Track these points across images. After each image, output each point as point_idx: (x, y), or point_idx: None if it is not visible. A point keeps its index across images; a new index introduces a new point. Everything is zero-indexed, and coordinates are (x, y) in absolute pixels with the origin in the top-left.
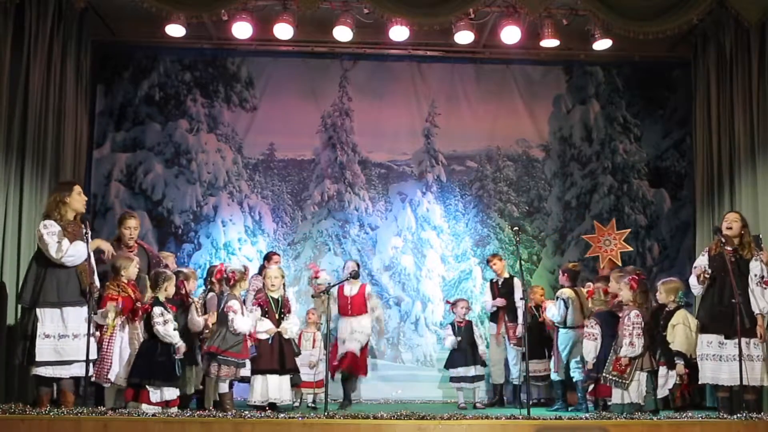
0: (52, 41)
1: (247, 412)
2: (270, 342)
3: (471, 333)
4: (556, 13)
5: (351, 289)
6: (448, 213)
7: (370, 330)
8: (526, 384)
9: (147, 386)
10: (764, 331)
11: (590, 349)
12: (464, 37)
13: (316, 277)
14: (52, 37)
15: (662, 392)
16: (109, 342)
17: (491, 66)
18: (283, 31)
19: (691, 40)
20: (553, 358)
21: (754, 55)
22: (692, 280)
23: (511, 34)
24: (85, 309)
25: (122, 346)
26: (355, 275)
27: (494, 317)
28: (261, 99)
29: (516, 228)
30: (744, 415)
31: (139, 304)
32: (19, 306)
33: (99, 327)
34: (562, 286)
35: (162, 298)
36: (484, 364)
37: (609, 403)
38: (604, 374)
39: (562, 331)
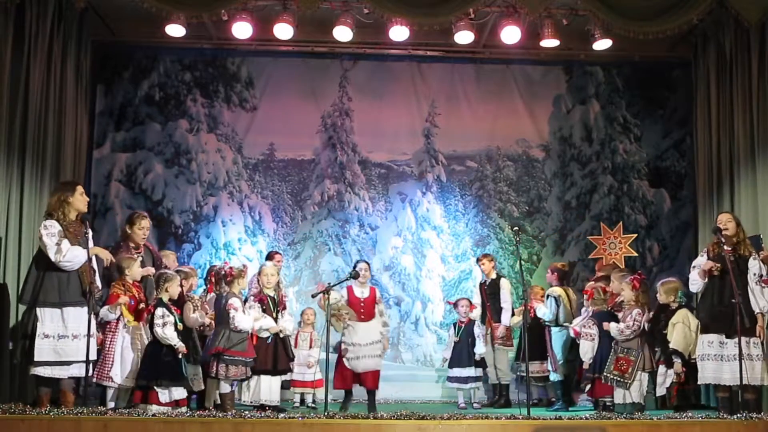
0: (52, 41)
1: (247, 412)
2: (269, 341)
3: (471, 333)
4: (556, 13)
5: (362, 293)
6: (448, 213)
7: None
8: (525, 384)
9: (155, 387)
10: (764, 330)
11: (587, 349)
12: (464, 37)
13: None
14: (52, 37)
15: (660, 390)
16: (111, 341)
17: (491, 66)
18: (283, 31)
19: (691, 40)
20: (549, 358)
21: (754, 55)
22: (693, 276)
23: (511, 34)
24: (85, 309)
25: (123, 345)
26: (355, 275)
27: (483, 318)
28: (261, 99)
29: (516, 228)
30: (744, 415)
31: (143, 305)
32: (20, 306)
33: (102, 327)
34: (551, 285)
35: (166, 299)
36: (483, 365)
37: (609, 403)
38: (605, 374)
39: (554, 330)
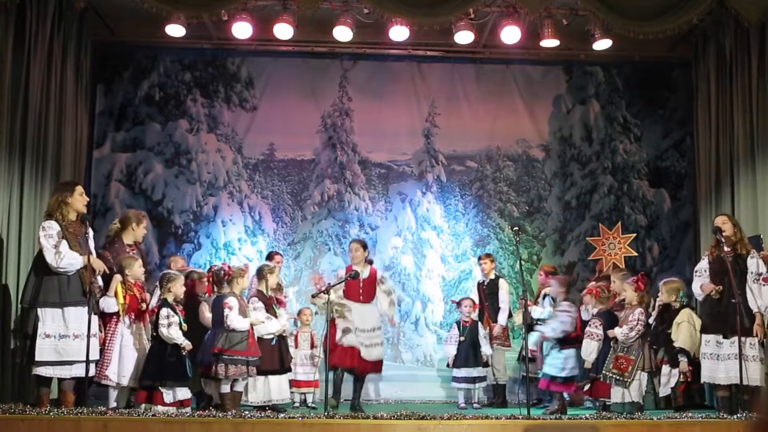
0: (53, 41)
1: (247, 412)
2: (273, 342)
3: (475, 333)
4: (556, 13)
5: (362, 272)
6: (448, 213)
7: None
8: (525, 384)
9: (159, 387)
10: (762, 330)
11: (592, 348)
12: (464, 37)
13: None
14: (53, 37)
15: (665, 390)
16: (109, 341)
17: (491, 66)
18: (283, 31)
19: (691, 40)
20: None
21: (754, 55)
22: (695, 288)
23: (511, 34)
24: (86, 309)
25: (122, 345)
26: (354, 276)
27: (481, 318)
28: (261, 99)
29: (516, 228)
30: (744, 415)
31: (144, 305)
32: (20, 306)
33: (103, 326)
34: (543, 286)
35: (170, 299)
36: (486, 365)
37: (609, 403)
38: (603, 372)
39: None
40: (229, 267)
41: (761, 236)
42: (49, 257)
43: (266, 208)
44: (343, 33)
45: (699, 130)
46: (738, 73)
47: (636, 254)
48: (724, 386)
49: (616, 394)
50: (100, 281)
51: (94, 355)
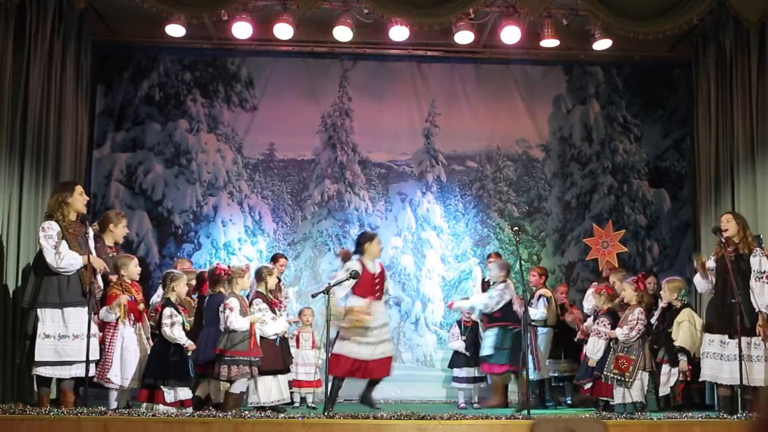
0: (53, 41)
1: (247, 412)
2: (277, 343)
3: (476, 333)
4: (556, 13)
5: (374, 268)
6: (448, 213)
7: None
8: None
9: (161, 387)
10: (765, 329)
11: (600, 346)
12: (464, 37)
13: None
14: (53, 37)
15: (664, 390)
16: (110, 342)
17: (491, 66)
18: (283, 31)
19: (691, 40)
20: (532, 357)
21: (754, 55)
22: (697, 277)
23: (511, 34)
24: (86, 309)
25: (123, 346)
26: (355, 275)
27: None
28: (261, 99)
29: (516, 228)
30: (744, 414)
31: (141, 306)
32: (20, 306)
33: (103, 327)
34: (536, 287)
35: (173, 299)
36: None
37: (612, 403)
38: (604, 372)
39: (542, 330)
40: (229, 267)
41: (761, 236)
42: (49, 258)
43: (266, 208)
44: (343, 33)
45: (699, 130)
46: (738, 73)
47: (627, 250)
48: (726, 385)
49: (618, 395)
50: (100, 281)
51: (94, 355)
